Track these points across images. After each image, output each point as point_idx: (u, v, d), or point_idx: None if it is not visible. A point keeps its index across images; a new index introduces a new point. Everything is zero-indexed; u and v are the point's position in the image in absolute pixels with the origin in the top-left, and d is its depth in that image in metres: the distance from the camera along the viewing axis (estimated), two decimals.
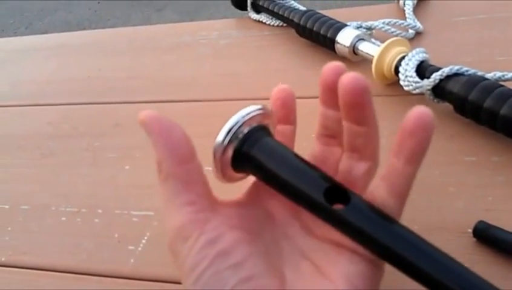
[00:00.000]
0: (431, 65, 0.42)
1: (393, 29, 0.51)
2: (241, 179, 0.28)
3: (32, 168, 0.49)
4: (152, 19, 2.62)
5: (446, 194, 0.35)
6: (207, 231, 0.23)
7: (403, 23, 0.52)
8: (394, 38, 0.45)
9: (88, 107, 0.56)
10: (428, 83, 0.40)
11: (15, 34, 2.74)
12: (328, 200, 0.22)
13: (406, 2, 0.55)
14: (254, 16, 0.63)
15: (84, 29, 2.61)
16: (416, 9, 0.55)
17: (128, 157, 0.47)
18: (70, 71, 0.64)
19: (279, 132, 0.28)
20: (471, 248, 0.31)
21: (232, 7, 0.66)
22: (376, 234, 0.21)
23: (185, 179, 0.24)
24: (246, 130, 0.25)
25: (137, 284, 0.35)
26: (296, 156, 0.25)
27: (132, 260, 0.37)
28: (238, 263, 0.22)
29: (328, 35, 0.50)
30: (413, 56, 0.42)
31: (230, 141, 0.25)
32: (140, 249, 0.37)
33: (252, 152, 0.25)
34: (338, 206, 0.22)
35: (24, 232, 0.42)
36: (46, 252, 0.40)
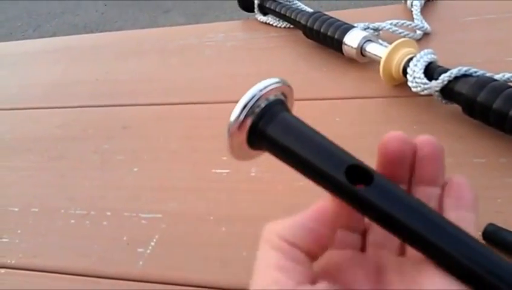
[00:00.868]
0: (439, 66, 0.42)
1: (400, 30, 0.51)
2: (256, 155, 0.26)
3: (41, 171, 0.49)
4: (158, 21, 2.63)
5: None
6: None
7: (410, 24, 0.51)
8: (402, 39, 0.45)
9: (96, 109, 0.56)
10: (437, 84, 0.40)
11: (23, 37, 2.76)
12: (350, 180, 0.21)
13: (414, 3, 0.55)
14: (261, 17, 0.63)
15: (91, 31, 2.62)
16: (424, 9, 0.55)
17: (136, 159, 0.47)
18: (78, 74, 0.64)
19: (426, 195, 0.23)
20: None
21: (238, 9, 0.66)
22: (399, 216, 0.20)
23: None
24: (262, 104, 0.23)
25: (146, 286, 0.35)
26: (316, 132, 0.23)
27: (141, 263, 0.37)
28: None
29: (336, 36, 0.50)
30: (421, 57, 0.42)
31: (246, 116, 0.23)
32: (148, 251, 0.38)
33: (268, 128, 0.23)
34: (360, 186, 0.21)
35: (34, 235, 0.42)
36: (56, 254, 0.40)
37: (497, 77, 0.39)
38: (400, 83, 0.46)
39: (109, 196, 0.44)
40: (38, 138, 0.54)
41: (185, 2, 2.75)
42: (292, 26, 0.59)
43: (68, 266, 0.39)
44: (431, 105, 0.43)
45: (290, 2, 0.60)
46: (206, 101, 0.52)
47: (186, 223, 0.39)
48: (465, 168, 0.37)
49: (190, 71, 0.58)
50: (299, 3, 0.60)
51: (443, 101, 0.41)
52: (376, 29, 0.52)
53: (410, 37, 0.50)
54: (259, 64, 0.56)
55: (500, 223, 0.31)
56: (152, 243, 0.38)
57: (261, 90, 0.23)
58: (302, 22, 0.55)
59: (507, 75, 0.39)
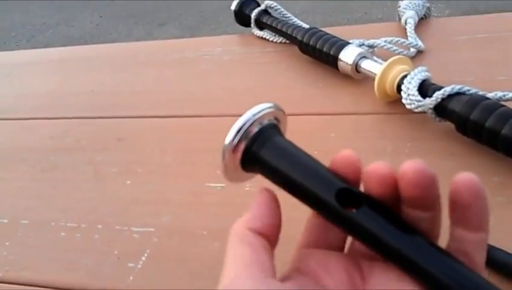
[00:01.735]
0: (433, 84, 0.43)
1: (394, 48, 0.52)
2: (250, 178, 0.27)
3: (33, 182, 0.48)
4: (154, 34, 2.64)
5: (446, 214, 0.35)
6: None
7: (405, 42, 0.52)
8: (397, 56, 0.45)
9: (90, 121, 0.56)
10: (430, 101, 0.40)
11: (17, 47, 2.76)
12: (340, 203, 0.21)
13: (408, 21, 0.56)
14: (257, 32, 0.63)
15: (86, 43, 2.63)
16: (417, 27, 0.56)
17: (129, 172, 0.46)
18: (72, 85, 0.64)
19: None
20: None
21: (234, 22, 0.66)
22: (387, 239, 0.21)
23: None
24: (256, 128, 0.24)
25: None
26: (308, 156, 0.24)
27: (131, 278, 0.36)
28: None
29: (331, 52, 0.51)
30: (415, 75, 0.43)
31: (240, 141, 0.24)
32: (139, 266, 0.37)
33: (261, 152, 0.24)
34: (350, 210, 0.21)
35: (22, 247, 0.41)
36: (45, 268, 0.39)
37: (489, 95, 0.39)
38: (394, 99, 0.46)
39: (101, 208, 0.43)
40: (31, 149, 0.53)
41: (180, 15, 2.76)
42: (288, 41, 0.60)
43: (57, 279, 0.38)
44: (424, 122, 0.43)
45: (286, 17, 0.61)
46: (201, 115, 0.52)
47: (178, 237, 0.39)
48: None
49: (187, 84, 0.58)
50: (295, 19, 0.61)
51: (437, 119, 0.42)
52: (371, 46, 0.53)
53: (404, 55, 0.51)
54: (255, 78, 0.56)
55: (492, 242, 0.31)
56: (143, 258, 0.38)
57: (254, 115, 0.24)
58: (298, 37, 0.55)
59: (499, 94, 0.40)
